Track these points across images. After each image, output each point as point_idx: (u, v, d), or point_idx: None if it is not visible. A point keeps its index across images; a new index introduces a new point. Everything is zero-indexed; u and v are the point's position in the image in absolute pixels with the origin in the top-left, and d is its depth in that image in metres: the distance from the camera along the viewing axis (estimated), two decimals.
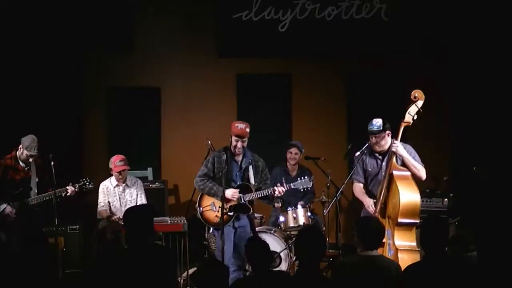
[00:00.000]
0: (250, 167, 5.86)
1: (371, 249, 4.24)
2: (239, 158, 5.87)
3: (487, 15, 7.67)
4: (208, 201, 5.95)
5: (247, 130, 5.82)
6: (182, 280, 6.47)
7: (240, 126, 5.82)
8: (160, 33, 8.30)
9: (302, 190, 6.07)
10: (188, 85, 8.40)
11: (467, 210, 7.08)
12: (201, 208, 6.00)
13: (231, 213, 5.82)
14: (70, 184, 6.27)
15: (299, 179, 5.95)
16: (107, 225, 6.20)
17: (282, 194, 5.78)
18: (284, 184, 5.78)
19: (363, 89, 8.23)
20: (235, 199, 5.80)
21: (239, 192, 5.79)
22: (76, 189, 6.29)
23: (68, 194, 6.25)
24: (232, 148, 5.81)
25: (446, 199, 7.07)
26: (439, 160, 7.79)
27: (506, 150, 7.51)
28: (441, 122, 8.06)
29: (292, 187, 5.87)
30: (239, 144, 5.77)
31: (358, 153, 5.73)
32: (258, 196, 5.80)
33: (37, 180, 6.34)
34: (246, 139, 5.81)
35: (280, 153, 7.50)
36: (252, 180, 5.85)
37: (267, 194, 5.79)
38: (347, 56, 8.23)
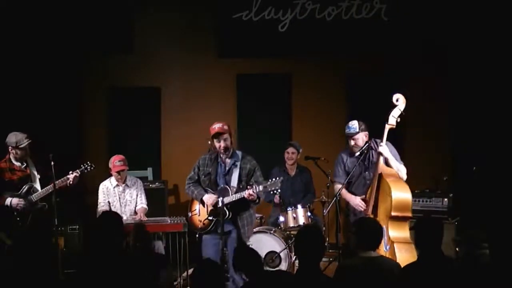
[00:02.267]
0: (235, 169, 5.70)
1: (371, 249, 4.25)
2: (226, 160, 5.73)
3: (487, 15, 7.68)
4: (195, 205, 5.92)
5: (225, 127, 5.65)
6: (182, 280, 6.48)
7: (217, 125, 5.66)
8: (160, 33, 8.30)
9: (271, 192, 5.57)
10: (188, 85, 8.40)
11: (467, 210, 7.08)
12: (189, 213, 5.98)
13: (211, 218, 5.71)
14: (70, 172, 6.23)
15: (269, 180, 5.58)
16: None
17: (253, 196, 5.50)
18: (254, 186, 5.53)
19: (363, 89, 8.23)
20: (209, 203, 5.68)
21: (219, 196, 5.60)
22: (77, 174, 6.25)
23: (71, 182, 6.20)
24: (220, 151, 5.67)
25: (446, 199, 7.07)
26: (439, 160, 7.80)
27: (506, 150, 7.51)
28: (441, 122, 8.06)
29: (261, 189, 5.54)
30: (222, 144, 5.61)
31: (358, 153, 5.80)
32: (234, 199, 5.58)
33: (39, 176, 6.34)
34: (227, 135, 5.62)
35: (280, 153, 7.50)
36: (233, 183, 5.66)
37: (241, 197, 5.55)
38: (347, 56, 8.23)
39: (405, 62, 8.11)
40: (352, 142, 5.81)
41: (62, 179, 6.18)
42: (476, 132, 7.77)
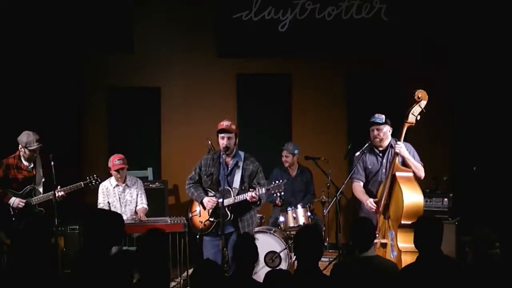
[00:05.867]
0: (237, 170, 5.67)
1: (366, 250, 4.27)
2: (229, 160, 5.70)
3: (487, 15, 7.68)
4: (195, 206, 5.90)
5: (233, 127, 5.65)
6: (182, 280, 6.48)
7: (225, 123, 5.66)
8: (160, 33, 8.30)
9: (274, 194, 5.68)
10: (188, 85, 8.40)
11: (467, 210, 7.08)
12: (190, 214, 5.96)
13: (212, 219, 5.70)
14: (59, 187, 6.19)
15: (273, 182, 5.63)
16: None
17: (256, 199, 5.51)
18: (257, 189, 5.53)
19: (363, 89, 8.23)
20: (209, 207, 5.65)
21: (220, 197, 5.55)
22: (64, 194, 6.20)
23: (57, 199, 6.12)
24: (221, 149, 5.64)
25: (446, 199, 7.07)
26: (439, 160, 7.80)
27: (506, 150, 7.51)
28: (441, 122, 8.06)
29: (264, 191, 5.53)
30: (225, 141, 5.56)
31: (358, 153, 5.77)
32: (236, 201, 5.57)
33: (43, 179, 6.33)
34: (232, 135, 5.61)
35: (279, 153, 7.49)
36: (236, 184, 5.63)
37: (244, 199, 5.54)
38: (347, 56, 8.23)
39: (405, 62, 8.11)
40: (376, 132, 5.67)
41: (49, 193, 6.10)
42: (476, 132, 7.78)
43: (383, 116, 5.69)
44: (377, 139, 5.70)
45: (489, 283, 3.98)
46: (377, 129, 5.68)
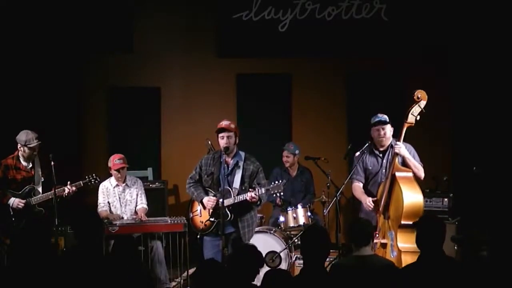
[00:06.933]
0: (237, 170, 5.67)
1: (361, 246, 4.28)
2: (229, 160, 5.70)
3: (487, 15, 7.69)
4: (196, 206, 5.91)
5: (232, 126, 5.67)
6: (182, 280, 6.48)
7: (224, 122, 5.69)
8: (160, 33, 8.30)
9: (274, 195, 5.73)
10: (188, 85, 8.40)
11: (467, 210, 7.08)
12: (190, 214, 5.96)
13: (212, 219, 5.70)
14: (68, 183, 6.24)
15: (272, 183, 5.65)
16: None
17: (255, 199, 5.52)
18: (257, 189, 5.53)
19: (363, 89, 8.24)
20: (209, 207, 5.65)
21: (221, 197, 5.54)
22: (74, 190, 6.22)
23: (66, 195, 6.18)
24: (221, 149, 5.65)
25: (446, 199, 7.08)
26: (439, 160, 7.79)
27: (506, 150, 7.51)
28: (441, 122, 8.06)
29: (263, 191, 5.54)
30: (225, 141, 5.58)
31: (358, 153, 5.76)
32: (236, 201, 5.57)
33: (42, 179, 6.33)
34: (231, 134, 5.63)
35: (279, 153, 7.50)
36: (236, 184, 5.64)
37: (243, 199, 5.54)
38: (347, 56, 8.23)
39: (405, 62, 8.11)
40: (381, 132, 5.63)
41: (60, 188, 6.13)
42: (476, 132, 7.78)
43: (386, 116, 5.69)
44: (382, 138, 5.68)
45: (476, 284, 3.99)
46: (382, 128, 5.66)
